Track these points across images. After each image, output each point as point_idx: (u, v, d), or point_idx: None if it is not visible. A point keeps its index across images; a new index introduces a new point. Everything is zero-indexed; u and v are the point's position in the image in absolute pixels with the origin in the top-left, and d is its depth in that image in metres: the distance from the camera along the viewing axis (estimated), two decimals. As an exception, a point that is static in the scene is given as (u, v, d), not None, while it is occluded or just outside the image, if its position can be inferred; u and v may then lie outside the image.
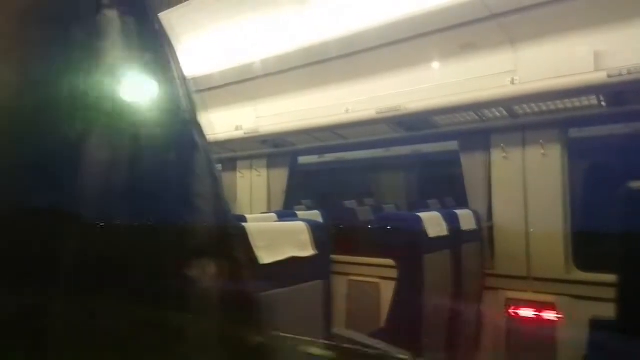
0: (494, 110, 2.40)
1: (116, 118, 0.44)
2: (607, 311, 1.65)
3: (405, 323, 2.03)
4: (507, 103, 2.29)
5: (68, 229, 0.39)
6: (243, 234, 1.17)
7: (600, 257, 2.29)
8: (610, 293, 1.59)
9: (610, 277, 1.79)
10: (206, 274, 0.46)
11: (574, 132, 2.49)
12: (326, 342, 1.46)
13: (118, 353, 0.40)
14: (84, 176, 0.40)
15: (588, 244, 2.42)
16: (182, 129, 0.48)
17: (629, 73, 1.87)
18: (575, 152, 2.46)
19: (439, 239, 2.14)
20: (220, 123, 3.41)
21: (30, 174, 0.40)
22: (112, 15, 0.45)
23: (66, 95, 0.42)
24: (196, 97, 0.50)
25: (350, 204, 5.20)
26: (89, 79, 0.43)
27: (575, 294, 2.29)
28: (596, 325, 2.07)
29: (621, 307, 1.36)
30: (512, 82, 2.30)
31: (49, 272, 0.38)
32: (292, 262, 1.31)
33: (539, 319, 2.36)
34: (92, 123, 0.42)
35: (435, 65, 2.72)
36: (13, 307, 0.38)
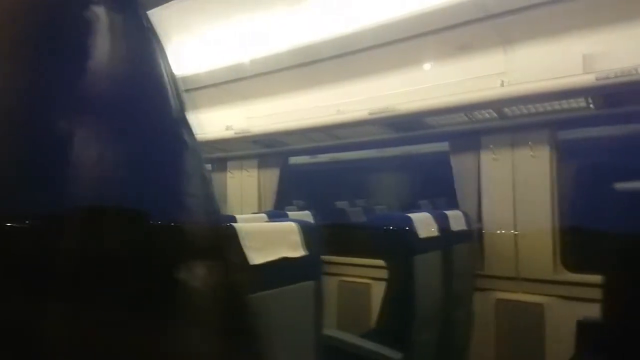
0: (484, 111, 2.42)
1: (104, 117, 0.43)
2: (595, 312, 1.67)
3: (396, 323, 2.04)
4: (497, 105, 2.31)
5: (55, 228, 0.39)
6: (233, 235, 1.17)
7: (589, 258, 2.32)
8: (598, 294, 1.61)
9: (599, 278, 1.81)
10: (195, 275, 0.45)
11: (563, 134, 2.51)
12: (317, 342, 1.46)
13: (107, 356, 0.40)
14: (71, 175, 0.40)
15: (576, 245, 2.44)
16: (172, 128, 0.48)
17: (617, 76, 1.89)
18: (564, 153, 2.49)
19: (429, 239, 2.14)
20: (211, 123, 3.39)
21: (19, 174, 0.39)
22: (100, 13, 0.44)
23: (53, 93, 0.41)
24: (186, 96, 0.50)
25: (342, 204, 5.21)
26: (76, 76, 0.42)
27: (563, 295, 2.32)
28: (584, 325, 2.10)
29: (608, 307, 1.37)
30: (502, 84, 2.32)
31: (41, 274, 0.38)
32: (283, 263, 1.31)
33: (528, 319, 2.38)
34: (79, 122, 0.42)
35: (427, 66, 2.74)
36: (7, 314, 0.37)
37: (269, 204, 3.65)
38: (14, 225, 0.39)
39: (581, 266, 2.36)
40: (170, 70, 0.48)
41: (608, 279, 1.36)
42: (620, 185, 1.27)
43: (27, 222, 0.39)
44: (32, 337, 0.37)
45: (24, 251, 0.38)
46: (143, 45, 0.47)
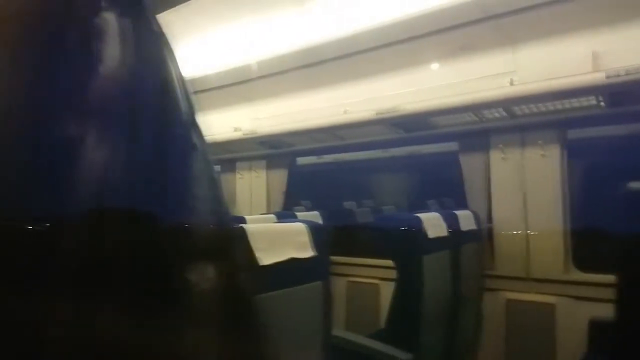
0: (493, 111, 2.40)
1: (114, 120, 0.44)
2: (607, 312, 1.65)
3: (405, 324, 2.03)
4: (506, 104, 2.29)
5: (64, 231, 0.39)
6: (242, 236, 1.17)
7: (600, 257, 2.29)
8: (610, 294, 1.59)
9: (610, 278, 1.79)
10: (205, 276, 0.46)
11: (573, 133, 2.49)
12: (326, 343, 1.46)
13: (113, 357, 0.40)
14: (80, 179, 0.40)
15: (587, 245, 2.42)
16: (181, 130, 0.48)
17: (627, 74, 1.87)
18: (574, 152, 2.46)
19: (438, 239, 2.13)
20: (219, 124, 3.41)
21: (26, 176, 0.40)
22: (109, 17, 0.45)
23: (63, 97, 0.42)
24: (194, 99, 0.50)
25: (350, 204, 5.20)
26: (86, 80, 0.43)
27: (574, 295, 2.29)
28: (596, 325, 2.08)
29: (620, 307, 1.36)
30: (511, 83, 2.30)
31: (46, 276, 0.38)
32: (292, 264, 1.31)
33: (538, 320, 2.36)
34: (89, 125, 0.42)
35: (434, 66, 2.72)
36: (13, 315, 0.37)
37: (278, 205, 3.66)
38: (23, 227, 0.39)
39: (593, 266, 2.33)
40: (179, 73, 0.49)
41: (620, 278, 1.35)
42: (631, 184, 1.26)
43: (36, 224, 0.39)
44: (45, 340, 0.37)
45: (35, 253, 0.39)
46: (152, 48, 0.48)
